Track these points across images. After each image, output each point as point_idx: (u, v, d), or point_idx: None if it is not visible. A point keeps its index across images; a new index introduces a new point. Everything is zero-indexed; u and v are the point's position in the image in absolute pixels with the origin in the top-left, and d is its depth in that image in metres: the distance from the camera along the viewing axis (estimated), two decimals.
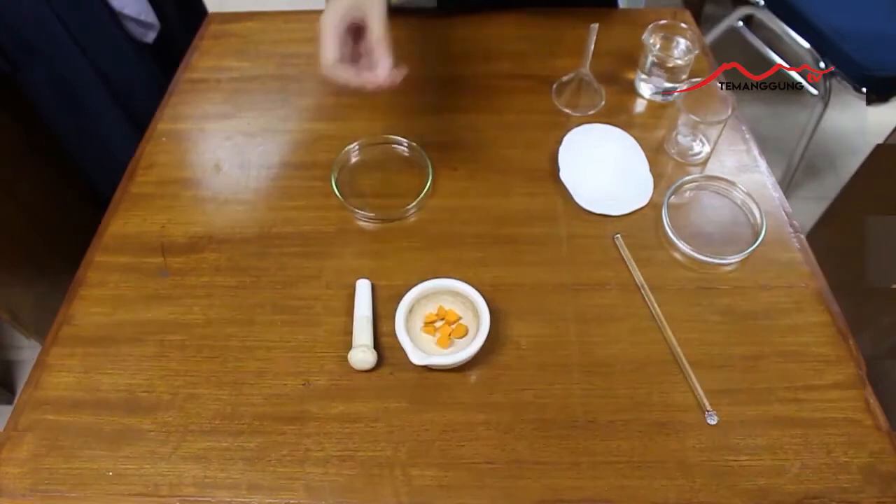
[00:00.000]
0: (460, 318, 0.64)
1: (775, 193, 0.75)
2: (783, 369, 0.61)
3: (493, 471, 0.56)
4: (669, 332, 0.63)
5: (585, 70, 0.82)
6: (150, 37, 1.30)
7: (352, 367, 0.61)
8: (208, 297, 0.67)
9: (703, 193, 0.76)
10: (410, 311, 0.63)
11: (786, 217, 0.73)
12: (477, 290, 0.63)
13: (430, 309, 0.65)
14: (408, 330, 0.61)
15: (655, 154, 0.79)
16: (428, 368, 0.61)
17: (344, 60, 0.63)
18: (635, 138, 0.79)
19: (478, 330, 0.61)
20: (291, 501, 0.55)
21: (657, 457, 0.56)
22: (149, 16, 1.26)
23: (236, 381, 0.61)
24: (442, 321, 0.64)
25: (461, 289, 0.64)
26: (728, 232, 0.72)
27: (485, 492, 0.55)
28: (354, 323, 0.63)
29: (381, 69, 0.62)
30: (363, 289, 0.66)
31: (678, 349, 0.62)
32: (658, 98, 0.85)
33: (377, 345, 0.63)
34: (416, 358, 0.58)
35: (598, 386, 0.60)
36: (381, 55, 0.63)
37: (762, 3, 1.50)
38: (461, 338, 0.63)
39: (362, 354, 0.60)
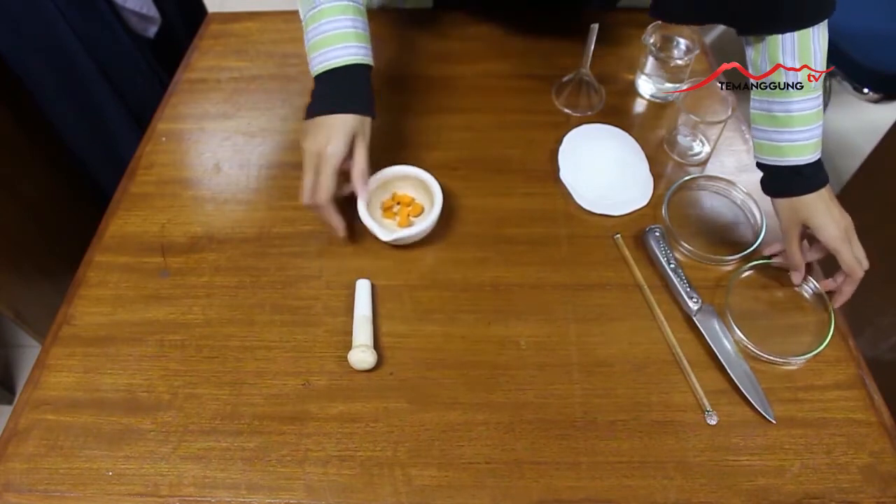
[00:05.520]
0: (414, 199, 0.71)
1: None
2: (783, 369, 0.61)
3: (492, 471, 0.56)
4: (669, 332, 0.63)
5: (585, 70, 0.82)
6: (151, 31, 1.30)
7: (352, 367, 0.61)
8: (208, 297, 0.67)
9: (703, 193, 0.76)
10: (368, 204, 0.68)
11: None
12: (429, 172, 0.70)
13: (385, 196, 0.71)
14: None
15: (655, 154, 0.79)
16: (427, 367, 0.61)
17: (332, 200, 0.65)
18: (635, 138, 0.79)
19: (433, 205, 0.68)
20: (291, 501, 0.55)
21: (657, 457, 0.56)
22: (150, 9, 1.26)
23: (236, 381, 0.61)
24: (398, 205, 0.72)
25: (410, 172, 0.70)
26: (728, 232, 0.72)
27: (485, 492, 0.55)
28: (354, 323, 0.63)
29: (360, 202, 0.67)
30: (363, 288, 0.66)
31: (678, 349, 0.62)
32: (658, 98, 0.85)
33: (377, 345, 0.63)
34: (384, 235, 0.65)
35: (598, 386, 0.60)
36: (360, 189, 0.66)
37: None
38: (418, 216, 0.71)
39: (362, 354, 0.60)
